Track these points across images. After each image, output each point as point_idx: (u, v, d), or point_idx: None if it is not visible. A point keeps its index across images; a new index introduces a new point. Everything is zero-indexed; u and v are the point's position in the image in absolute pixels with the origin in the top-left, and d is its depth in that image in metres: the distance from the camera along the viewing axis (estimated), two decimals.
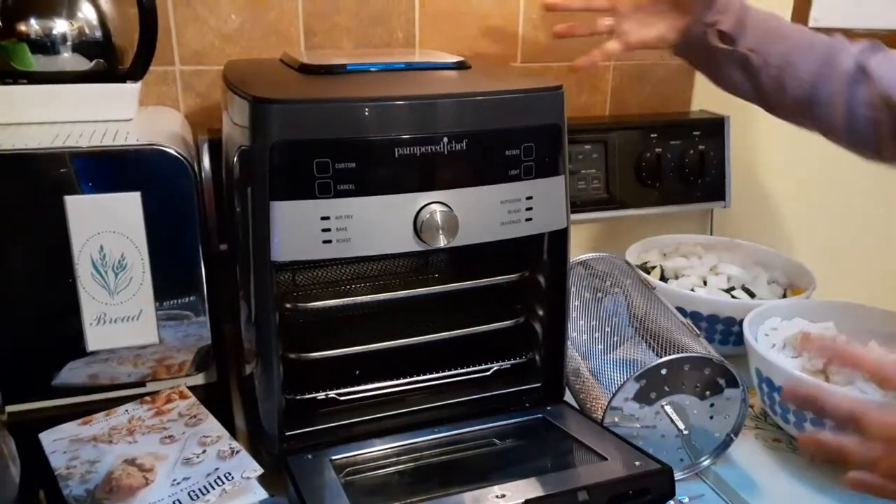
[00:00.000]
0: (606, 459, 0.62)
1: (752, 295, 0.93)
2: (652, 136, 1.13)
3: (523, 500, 0.55)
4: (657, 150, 1.12)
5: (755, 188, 1.27)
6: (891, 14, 1.31)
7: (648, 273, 0.97)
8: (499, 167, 0.65)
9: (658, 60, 1.19)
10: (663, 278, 0.97)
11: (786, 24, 0.81)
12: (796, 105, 0.79)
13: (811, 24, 1.27)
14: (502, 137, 0.65)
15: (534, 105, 0.66)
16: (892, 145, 0.74)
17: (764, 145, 1.26)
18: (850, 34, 1.30)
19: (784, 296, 0.95)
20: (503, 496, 0.56)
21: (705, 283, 0.95)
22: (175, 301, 0.78)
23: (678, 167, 1.14)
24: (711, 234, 1.22)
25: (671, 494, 0.60)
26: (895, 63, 0.74)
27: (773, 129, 1.27)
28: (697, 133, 1.15)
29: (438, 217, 0.62)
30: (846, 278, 1.31)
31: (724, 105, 1.20)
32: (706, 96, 1.24)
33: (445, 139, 0.62)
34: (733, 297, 0.92)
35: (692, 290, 0.93)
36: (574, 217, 1.10)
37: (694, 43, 0.83)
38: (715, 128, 1.16)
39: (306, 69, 0.69)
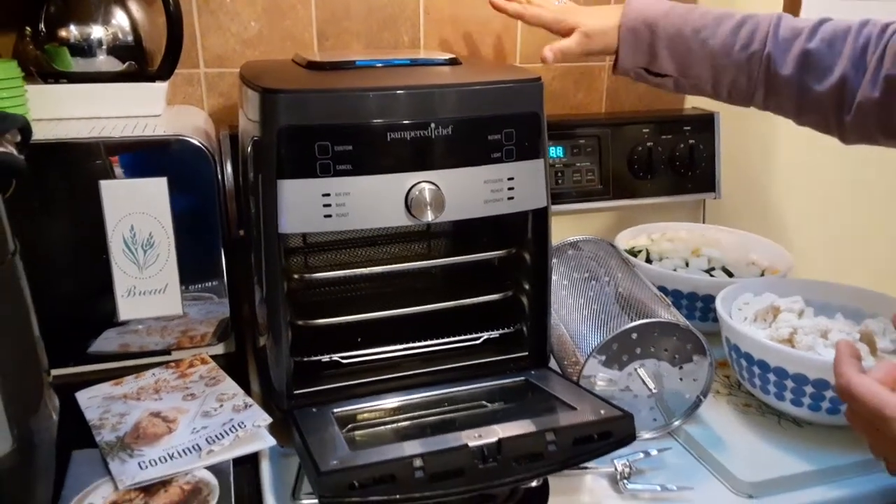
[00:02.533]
0: (576, 409, 0.69)
1: (730, 275, 0.99)
2: (644, 131, 1.20)
3: (496, 439, 0.62)
4: (649, 144, 1.19)
5: (747, 180, 1.33)
6: (878, 13, 1.36)
7: (636, 256, 1.04)
8: (482, 150, 0.72)
9: None
10: (648, 260, 1.04)
11: (696, 33, 0.84)
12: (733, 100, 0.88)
13: None
14: (485, 124, 0.72)
15: (514, 95, 0.73)
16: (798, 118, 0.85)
17: (754, 139, 1.32)
18: None
19: (762, 276, 1.01)
20: (480, 437, 0.63)
21: (687, 264, 1.02)
22: (199, 285, 0.87)
23: (669, 160, 1.20)
24: (704, 223, 1.28)
25: (632, 438, 0.67)
26: (788, 41, 0.80)
27: (762, 125, 1.33)
28: (688, 128, 1.21)
29: (427, 194, 0.70)
30: (834, 263, 1.37)
31: (716, 103, 1.26)
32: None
33: (433, 125, 0.70)
34: (712, 276, 0.98)
35: (674, 270, 0.99)
36: (570, 206, 1.18)
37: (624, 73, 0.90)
38: (705, 123, 1.23)
39: (312, 66, 0.78)
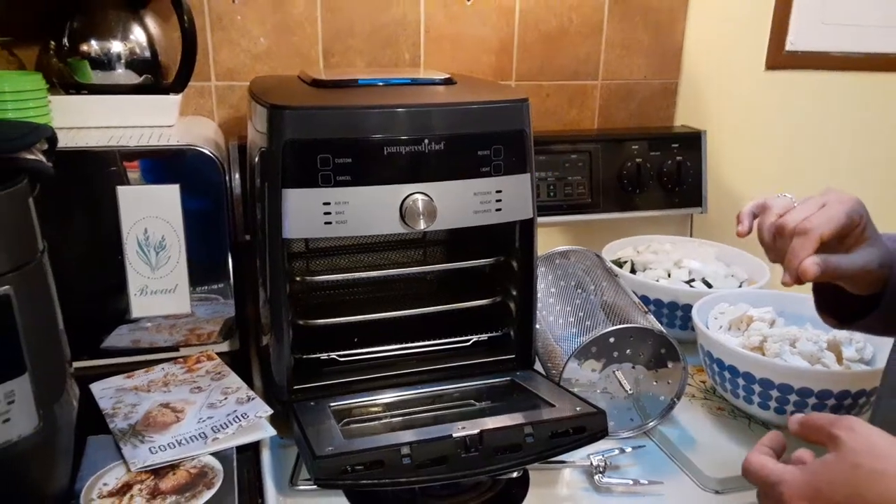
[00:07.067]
0: (554, 406, 0.75)
1: (709, 286, 1.04)
2: (634, 147, 1.25)
3: (478, 431, 0.68)
4: (638, 160, 1.25)
5: (732, 196, 1.38)
6: (864, 39, 1.42)
7: (621, 266, 1.09)
8: (472, 164, 0.78)
9: (642, 80, 1.32)
10: (633, 271, 1.09)
11: None
12: None
13: (787, 48, 1.38)
14: (475, 140, 0.77)
15: (502, 113, 0.79)
16: None
17: (739, 157, 1.38)
18: (825, 58, 1.41)
19: (740, 287, 1.06)
20: (464, 428, 0.69)
21: (669, 275, 1.07)
22: (206, 286, 0.92)
23: (658, 176, 1.26)
24: (691, 237, 1.34)
25: (604, 433, 0.72)
26: None
27: (746, 144, 1.39)
28: (676, 145, 1.27)
29: (420, 205, 0.76)
30: None
31: (704, 122, 1.32)
32: (687, 113, 1.36)
33: (427, 140, 0.75)
34: (691, 287, 1.03)
35: (657, 281, 1.05)
36: (561, 218, 1.24)
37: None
38: (692, 141, 1.28)
39: (316, 83, 0.84)
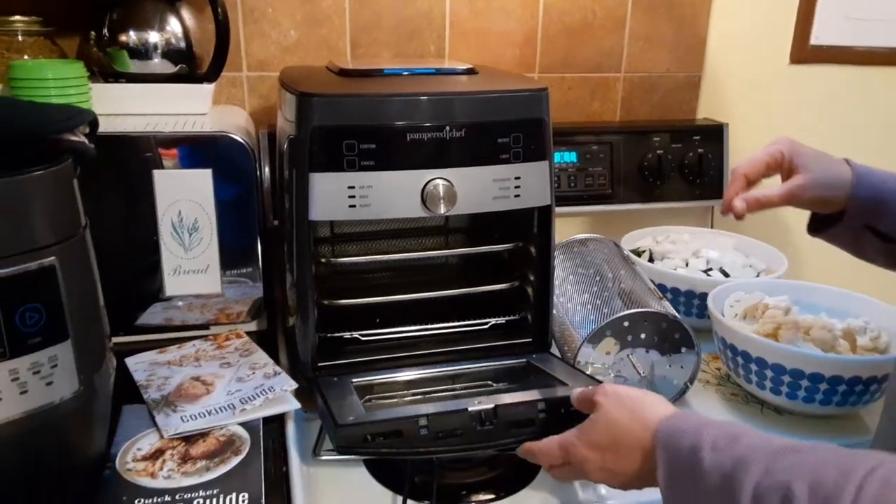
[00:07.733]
0: (567, 385, 0.77)
1: (726, 275, 1.06)
2: (656, 139, 1.27)
3: (493, 405, 0.71)
4: (659, 152, 1.26)
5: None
6: (888, 33, 1.42)
7: (640, 255, 1.11)
8: (492, 151, 0.80)
9: (664, 73, 1.33)
10: (651, 260, 1.11)
11: None
12: None
13: (812, 41, 1.39)
14: (495, 128, 0.80)
15: (521, 102, 0.81)
16: None
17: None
18: (850, 52, 1.41)
19: (757, 277, 1.07)
20: (479, 402, 0.71)
21: (687, 264, 1.09)
22: (236, 269, 0.96)
23: (679, 168, 1.27)
24: (712, 228, 1.35)
25: None
26: None
27: (769, 136, 1.39)
28: (698, 138, 1.28)
29: (441, 189, 0.78)
30: (839, 270, 1.41)
31: (726, 115, 1.33)
32: (710, 106, 1.37)
33: (448, 127, 0.78)
34: (708, 276, 1.05)
35: (675, 269, 1.07)
36: (582, 209, 1.26)
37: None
38: (715, 133, 1.29)
39: (344, 73, 0.87)
